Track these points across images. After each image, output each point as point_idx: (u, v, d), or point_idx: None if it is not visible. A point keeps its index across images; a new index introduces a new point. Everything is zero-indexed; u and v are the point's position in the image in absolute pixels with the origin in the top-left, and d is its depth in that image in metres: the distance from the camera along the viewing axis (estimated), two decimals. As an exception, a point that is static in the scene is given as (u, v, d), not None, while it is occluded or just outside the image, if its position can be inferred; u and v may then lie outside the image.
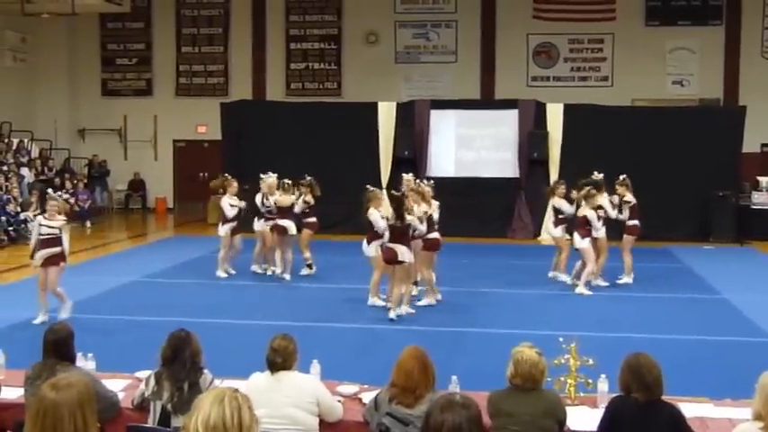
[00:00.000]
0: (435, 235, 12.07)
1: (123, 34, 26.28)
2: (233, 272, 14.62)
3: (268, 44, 25.46)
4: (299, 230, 14.52)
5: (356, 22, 25.11)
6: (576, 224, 13.53)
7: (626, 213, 13.88)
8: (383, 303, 11.88)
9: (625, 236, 13.98)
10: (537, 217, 20.06)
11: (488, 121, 20.92)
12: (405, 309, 11.38)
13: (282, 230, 14.20)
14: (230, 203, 14.38)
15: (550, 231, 14.66)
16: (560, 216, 14.01)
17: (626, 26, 23.95)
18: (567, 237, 13.96)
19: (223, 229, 14.40)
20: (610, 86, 24.10)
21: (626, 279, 13.94)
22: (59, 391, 2.94)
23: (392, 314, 11.15)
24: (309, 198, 14.49)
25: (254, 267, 14.84)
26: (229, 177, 14.73)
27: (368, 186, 12.31)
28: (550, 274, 14.26)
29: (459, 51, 24.83)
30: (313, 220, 14.65)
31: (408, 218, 11.16)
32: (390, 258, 11.20)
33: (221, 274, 14.39)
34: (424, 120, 20.50)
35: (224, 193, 14.64)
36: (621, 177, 14.01)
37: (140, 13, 25.82)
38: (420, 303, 12.00)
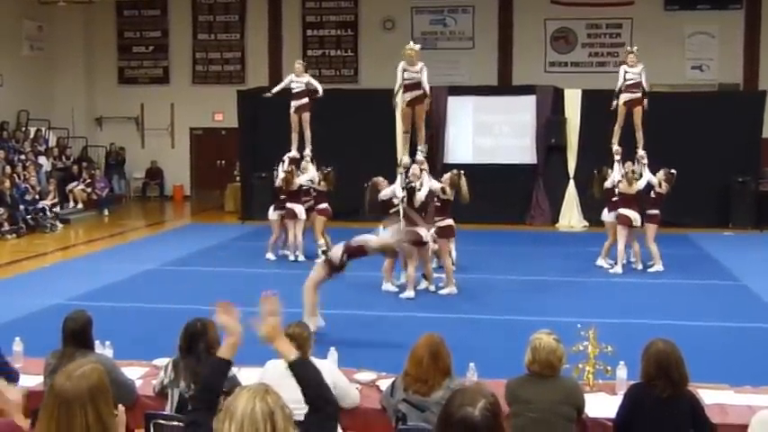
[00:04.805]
0: (449, 222, 12.15)
1: (139, 22, 26.28)
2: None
3: (284, 31, 25.37)
4: (308, 216, 14.74)
5: (373, 9, 25.00)
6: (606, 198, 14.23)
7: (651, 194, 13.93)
8: (396, 289, 12.05)
9: (647, 224, 13.85)
10: (555, 203, 20.00)
11: (506, 107, 20.81)
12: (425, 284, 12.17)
13: (292, 214, 14.48)
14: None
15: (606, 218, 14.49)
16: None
17: (644, 11, 23.72)
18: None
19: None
20: (628, 72, 23.86)
21: (657, 267, 13.76)
22: (72, 383, 2.92)
23: (410, 293, 11.71)
24: (320, 185, 14.83)
25: (269, 255, 14.91)
26: None
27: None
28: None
29: (476, 37, 24.67)
30: (325, 206, 14.86)
31: (419, 195, 11.71)
32: (415, 240, 11.54)
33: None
34: (442, 106, 20.40)
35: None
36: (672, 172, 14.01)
37: (156, 1, 25.81)
38: (442, 292, 12.04)
